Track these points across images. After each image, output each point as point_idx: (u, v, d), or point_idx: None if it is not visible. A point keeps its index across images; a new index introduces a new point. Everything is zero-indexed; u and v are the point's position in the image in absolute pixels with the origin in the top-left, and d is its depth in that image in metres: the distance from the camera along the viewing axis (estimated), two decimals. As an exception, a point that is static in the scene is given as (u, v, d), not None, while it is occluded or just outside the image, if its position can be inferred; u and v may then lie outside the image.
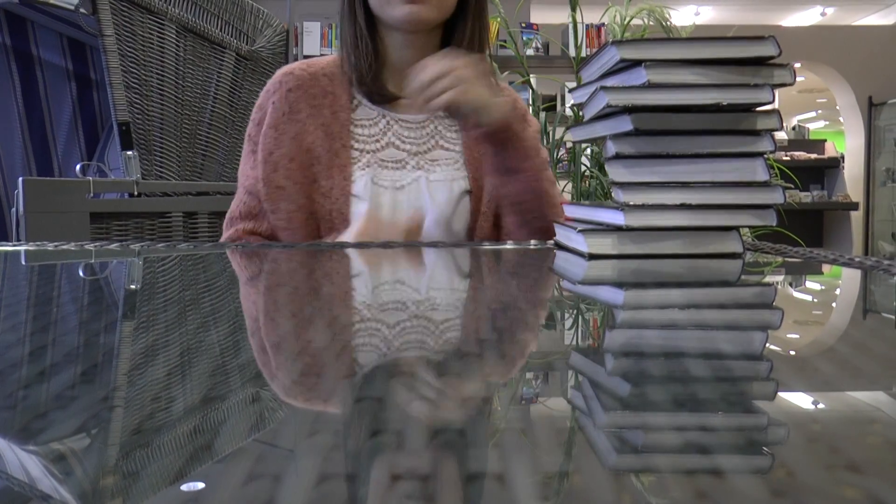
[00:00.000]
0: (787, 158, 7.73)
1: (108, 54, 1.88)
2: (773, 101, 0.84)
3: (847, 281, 0.82)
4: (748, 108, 0.86)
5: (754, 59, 0.84)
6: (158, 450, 0.26)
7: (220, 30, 2.26)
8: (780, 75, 0.85)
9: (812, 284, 0.85)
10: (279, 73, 1.25)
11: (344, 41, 1.22)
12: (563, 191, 2.55)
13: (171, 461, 0.25)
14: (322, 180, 1.17)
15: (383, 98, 1.23)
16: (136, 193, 1.87)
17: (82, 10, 1.89)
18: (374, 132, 1.22)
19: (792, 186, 3.49)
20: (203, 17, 2.19)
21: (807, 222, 8.02)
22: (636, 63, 0.82)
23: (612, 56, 0.85)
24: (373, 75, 1.20)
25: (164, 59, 2.04)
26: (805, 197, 7.87)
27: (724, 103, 0.83)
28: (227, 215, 1.25)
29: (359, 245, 1.02)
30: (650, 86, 0.81)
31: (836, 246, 8.07)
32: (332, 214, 1.16)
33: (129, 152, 1.89)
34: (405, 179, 1.19)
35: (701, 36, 0.86)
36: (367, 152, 1.20)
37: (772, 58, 0.84)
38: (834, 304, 0.73)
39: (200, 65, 2.19)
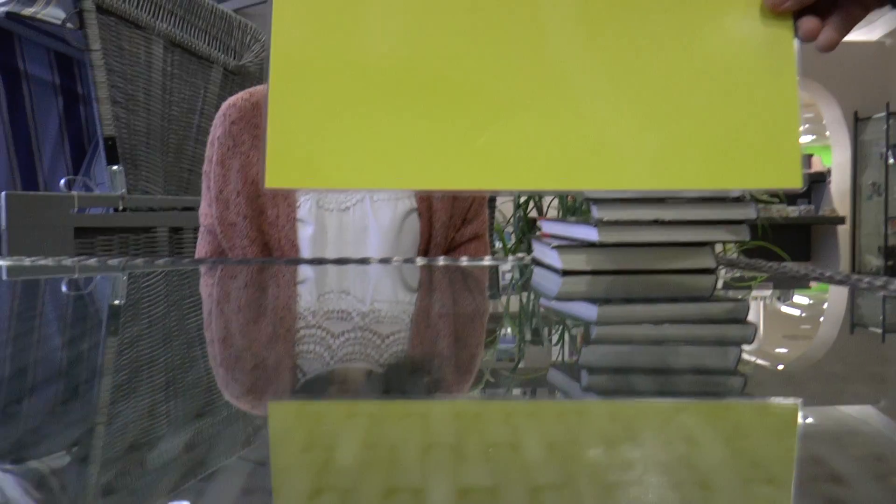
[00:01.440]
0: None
1: (95, 69, 1.88)
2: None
3: (819, 296, 0.83)
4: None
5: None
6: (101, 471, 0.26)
7: (208, 45, 2.26)
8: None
9: (784, 299, 0.86)
10: (223, 105, 1.25)
11: None
12: (549, 206, 2.57)
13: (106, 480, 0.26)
14: (268, 209, 1.18)
15: None
16: (121, 208, 1.87)
17: (69, 25, 1.89)
18: None
19: (777, 201, 3.52)
20: (191, 32, 2.19)
21: (794, 236, 8.07)
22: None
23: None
24: None
25: (152, 74, 2.04)
26: (793, 211, 7.92)
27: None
28: (196, 257, 1.26)
29: (317, 261, 1.02)
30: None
31: (824, 259, 8.12)
32: (281, 242, 1.16)
33: (115, 167, 1.89)
34: (349, 201, 1.19)
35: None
36: None
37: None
38: (804, 319, 0.74)
39: (188, 79, 2.19)
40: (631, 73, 0.58)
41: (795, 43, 0.59)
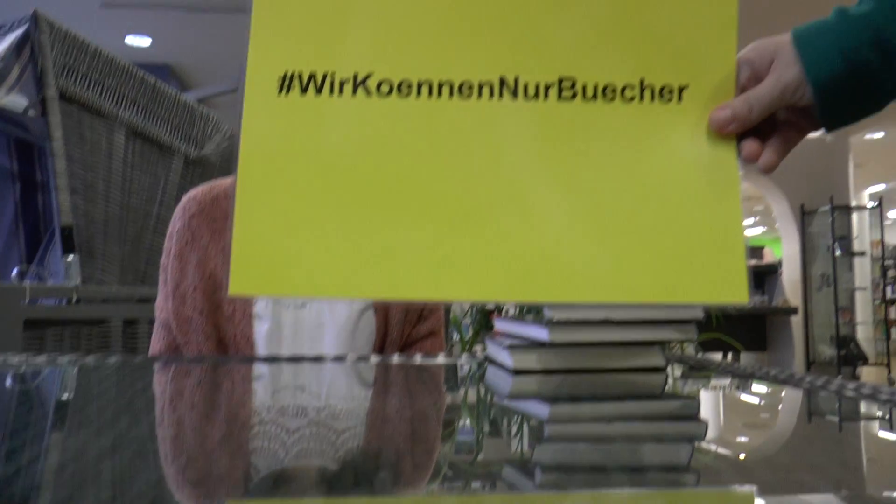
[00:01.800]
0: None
1: (55, 157, 1.88)
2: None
3: (767, 393, 0.85)
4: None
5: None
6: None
7: (170, 134, 2.28)
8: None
9: (732, 396, 0.88)
10: (184, 198, 1.25)
11: None
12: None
13: None
14: (225, 305, 1.17)
15: None
16: (74, 300, 1.85)
17: (31, 113, 1.90)
18: None
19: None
20: (153, 122, 2.21)
21: (750, 326, 8.18)
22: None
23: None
24: None
25: (112, 163, 2.05)
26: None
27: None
28: (150, 353, 1.24)
29: (270, 359, 1.02)
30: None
31: (779, 349, 8.22)
32: (237, 338, 1.15)
33: (70, 257, 1.88)
34: (306, 297, 1.20)
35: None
36: None
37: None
38: (754, 413, 0.75)
39: (148, 169, 2.20)
40: (583, 190, 0.61)
41: (738, 163, 0.63)
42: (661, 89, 0.62)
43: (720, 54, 0.63)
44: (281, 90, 0.60)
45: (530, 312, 2.45)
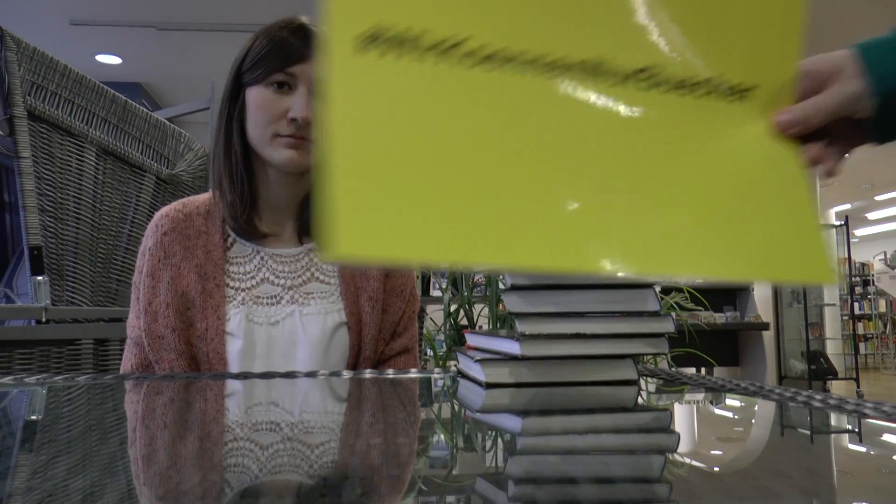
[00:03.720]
0: (701, 281, 8.03)
1: (23, 176, 1.86)
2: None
3: (735, 407, 0.86)
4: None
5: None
6: None
7: (141, 153, 2.27)
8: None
9: (704, 409, 0.88)
10: (156, 215, 1.25)
11: (218, 178, 1.22)
12: (479, 314, 2.60)
13: None
14: (197, 322, 1.17)
15: (256, 236, 1.24)
16: (44, 320, 1.82)
17: (-1, 132, 1.88)
18: (248, 269, 1.22)
19: (702, 309, 3.63)
20: (124, 140, 2.20)
21: (722, 342, 8.26)
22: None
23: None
24: (247, 216, 1.21)
25: (83, 182, 2.03)
26: (719, 318, 8.13)
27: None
28: (121, 370, 1.23)
29: (243, 375, 1.02)
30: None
31: (751, 364, 8.30)
32: (210, 355, 1.15)
33: (40, 277, 1.85)
34: (279, 314, 1.19)
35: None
36: (242, 290, 1.20)
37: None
38: (727, 426, 0.76)
39: (119, 188, 2.18)
40: (664, 174, 0.63)
41: (804, 161, 0.67)
42: (731, 87, 0.66)
43: (785, 60, 0.69)
44: (365, 47, 0.57)
45: (503, 328, 2.45)
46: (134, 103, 2.27)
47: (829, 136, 0.69)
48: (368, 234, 0.53)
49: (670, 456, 0.55)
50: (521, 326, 0.86)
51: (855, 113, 0.68)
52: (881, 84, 0.67)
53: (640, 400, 0.84)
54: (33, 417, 0.77)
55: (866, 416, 0.69)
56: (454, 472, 0.51)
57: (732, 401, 0.89)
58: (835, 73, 0.69)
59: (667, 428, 0.70)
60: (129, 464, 0.52)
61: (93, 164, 2.07)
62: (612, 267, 0.59)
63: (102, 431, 0.67)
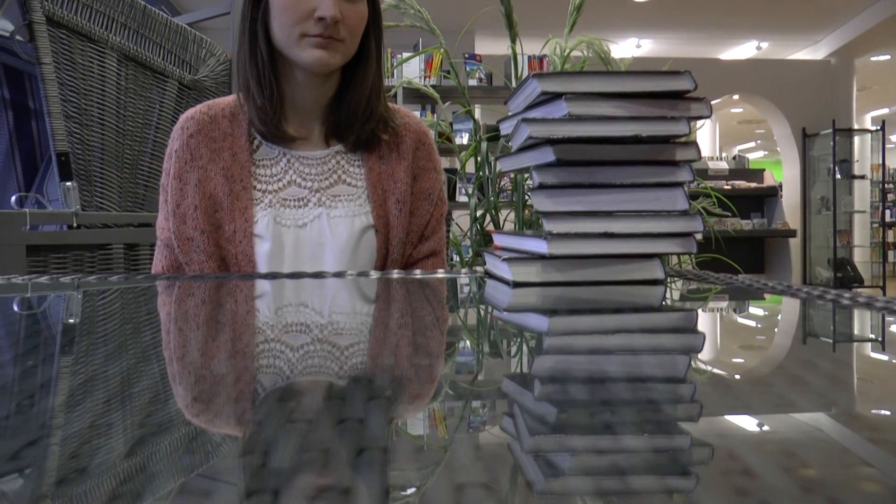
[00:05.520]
0: (728, 188, 7.94)
1: (46, 83, 1.85)
2: (690, 132, 0.88)
3: (768, 306, 0.86)
4: (667, 140, 0.89)
5: (671, 92, 0.88)
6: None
7: (163, 59, 2.25)
8: (697, 109, 0.89)
9: (731, 309, 0.88)
10: (182, 118, 1.24)
11: (244, 82, 1.21)
12: (505, 220, 2.59)
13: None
14: (226, 225, 1.17)
15: (284, 139, 1.23)
16: (75, 225, 1.85)
17: (19, 38, 1.86)
18: (275, 171, 1.22)
19: (729, 215, 3.59)
20: (145, 46, 2.17)
21: (748, 249, 8.23)
22: (557, 96, 0.86)
23: (534, 89, 0.88)
24: (276, 119, 1.20)
25: (105, 88, 2.02)
26: (746, 224, 8.07)
27: (644, 135, 0.86)
28: (153, 271, 1.25)
29: (272, 275, 1.03)
30: (571, 118, 0.84)
31: (777, 271, 8.28)
32: (238, 257, 1.16)
33: (69, 183, 1.87)
34: (307, 217, 1.20)
35: (618, 71, 0.89)
36: (269, 192, 1.20)
37: (687, 92, 0.88)
38: (754, 329, 0.76)
39: (142, 94, 2.17)
40: None
41: None
42: None
43: None
44: None
45: (531, 228, 2.44)
46: (153, 8, 2.23)
47: None
48: None
49: (694, 356, 0.55)
50: (549, 225, 0.85)
51: None
52: None
53: (666, 300, 0.84)
54: (71, 320, 0.79)
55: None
56: (480, 377, 0.51)
57: (759, 302, 0.88)
58: None
59: (692, 328, 0.70)
60: (165, 364, 0.53)
61: (114, 70, 2.06)
62: None
63: (136, 330, 0.68)
